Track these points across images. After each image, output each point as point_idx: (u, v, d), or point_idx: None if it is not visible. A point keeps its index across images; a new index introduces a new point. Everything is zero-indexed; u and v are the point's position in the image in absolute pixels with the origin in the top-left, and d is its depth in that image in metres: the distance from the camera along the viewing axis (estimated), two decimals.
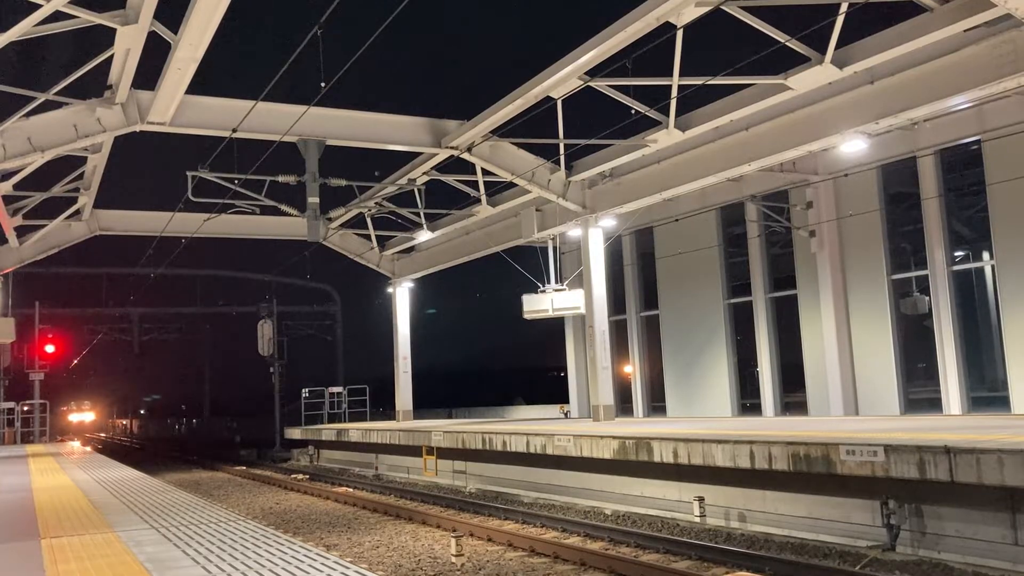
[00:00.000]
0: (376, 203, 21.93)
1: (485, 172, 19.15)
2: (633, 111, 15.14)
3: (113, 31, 11.50)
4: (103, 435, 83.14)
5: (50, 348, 30.22)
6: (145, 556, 6.07)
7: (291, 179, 16.82)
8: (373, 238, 25.90)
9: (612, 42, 12.60)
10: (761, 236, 21.42)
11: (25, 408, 29.77)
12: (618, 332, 25.37)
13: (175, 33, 11.63)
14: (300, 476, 23.86)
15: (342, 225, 24.75)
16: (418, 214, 22.13)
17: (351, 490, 19.67)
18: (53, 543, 6.77)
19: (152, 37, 11.79)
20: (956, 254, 17.55)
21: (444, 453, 19.60)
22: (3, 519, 8.40)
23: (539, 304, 22.01)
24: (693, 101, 15.03)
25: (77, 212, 21.33)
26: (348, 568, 5.43)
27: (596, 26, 12.79)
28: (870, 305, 18.78)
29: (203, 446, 43.00)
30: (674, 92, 14.17)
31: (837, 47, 12.18)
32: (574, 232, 20.83)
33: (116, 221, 23.16)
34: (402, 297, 27.36)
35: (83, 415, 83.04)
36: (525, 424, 20.06)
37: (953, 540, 9.07)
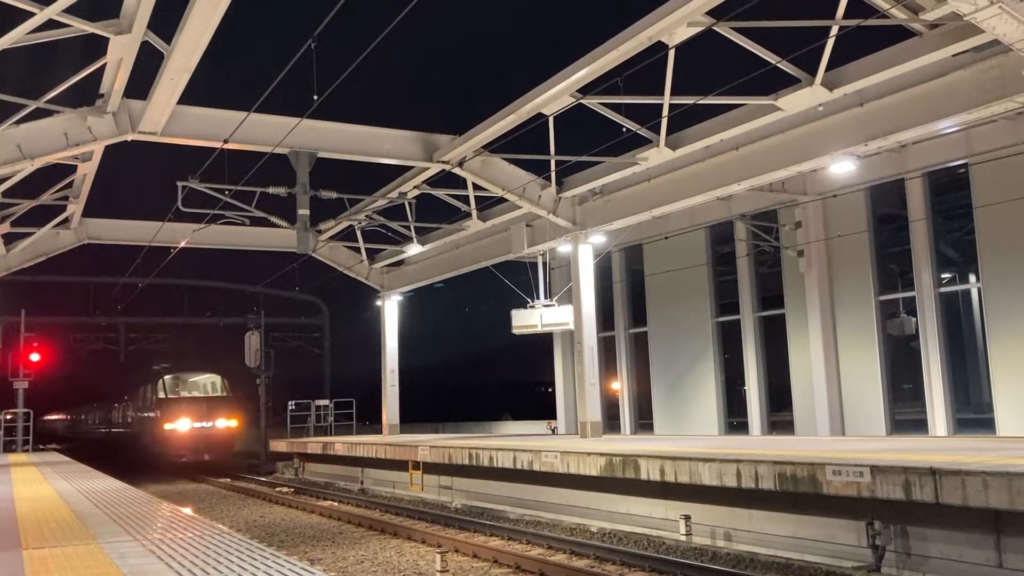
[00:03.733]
0: (366, 216, 21.92)
1: (476, 187, 19.19)
2: (624, 129, 15.23)
3: (106, 40, 11.50)
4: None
5: (35, 356, 29.96)
6: (128, 568, 6.02)
7: (282, 190, 16.82)
8: (363, 251, 25.89)
9: (604, 60, 12.68)
10: (750, 255, 21.52)
11: (8, 417, 29.48)
12: (606, 348, 25.39)
13: (168, 43, 11.64)
14: (285, 489, 23.72)
15: (332, 237, 24.73)
16: (408, 227, 22.14)
17: (336, 504, 19.57)
18: (35, 554, 6.70)
19: (144, 46, 11.79)
20: (943, 276, 17.67)
21: (430, 468, 19.53)
22: None
23: (528, 319, 22.01)
24: (684, 120, 15.15)
25: (66, 220, 21.25)
26: None
27: (589, 42, 12.89)
28: (857, 326, 18.86)
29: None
30: (665, 111, 14.27)
31: (827, 69, 12.30)
32: (564, 248, 20.88)
33: (105, 230, 23.09)
34: (391, 310, 27.33)
35: (203, 419, 30.62)
36: (512, 440, 20.02)
37: (938, 562, 9.08)
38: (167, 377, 32.21)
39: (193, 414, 30.71)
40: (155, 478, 27.86)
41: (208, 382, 33.15)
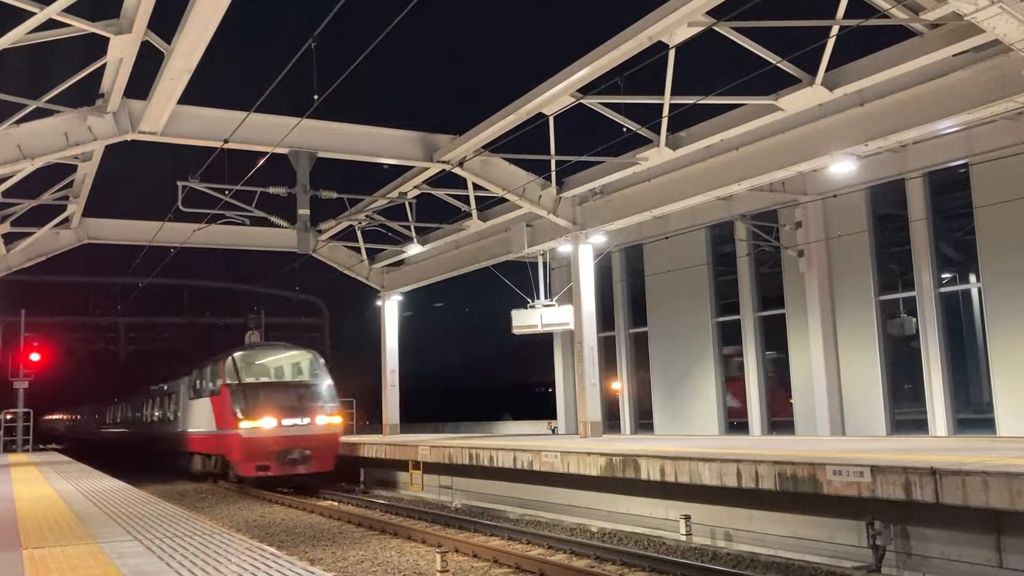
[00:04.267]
0: (366, 216, 21.92)
1: (476, 187, 19.18)
2: (625, 129, 15.23)
3: (106, 40, 11.50)
4: None
5: (35, 356, 29.98)
6: (128, 568, 6.02)
7: (282, 191, 16.83)
8: (363, 251, 25.88)
9: (605, 60, 12.68)
10: (750, 255, 21.52)
11: (8, 417, 29.49)
12: (606, 348, 25.38)
13: (168, 43, 11.64)
14: (285, 489, 23.70)
15: (332, 237, 24.73)
16: (408, 227, 22.14)
17: (336, 504, 19.56)
18: (35, 554, 6.71)
19: (144, 46, 11.79)
20: (943, 276, 17.67)
21: (430, 468, 19.53)
22: None
23: (528, 319, 22.01)
24: (684, 120, 15.15)
25: (66, 220, 21.25)
26: None
27: (589, 42, 12.89)
28: (858, 326, 18.86)
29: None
30: (666, 111, 14.27)
31: (828, 69, 12.30)
32: (564, 248, 20.88)
33: (105, 230, 23.09)
34: (391, 310, 27.32)
35: (294, 415, 20.96)
36: (512, 440, 20.01)
37: (938, 562, 9.08)
38: (238, 355, 22.50)
39: (280, 409, 21.11)
40: (155, 478, 27.83)
41: (291, 362, 23.78)
